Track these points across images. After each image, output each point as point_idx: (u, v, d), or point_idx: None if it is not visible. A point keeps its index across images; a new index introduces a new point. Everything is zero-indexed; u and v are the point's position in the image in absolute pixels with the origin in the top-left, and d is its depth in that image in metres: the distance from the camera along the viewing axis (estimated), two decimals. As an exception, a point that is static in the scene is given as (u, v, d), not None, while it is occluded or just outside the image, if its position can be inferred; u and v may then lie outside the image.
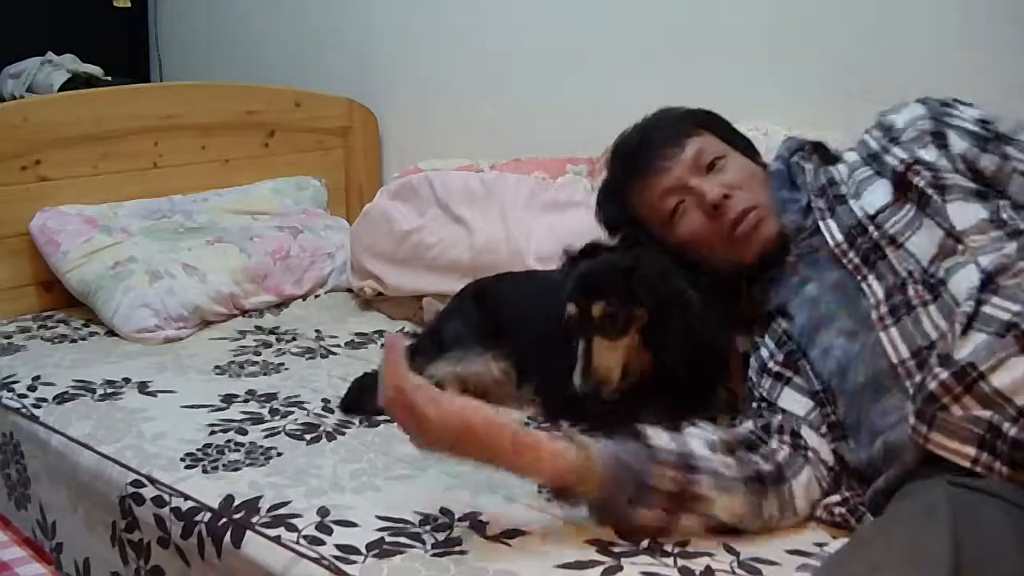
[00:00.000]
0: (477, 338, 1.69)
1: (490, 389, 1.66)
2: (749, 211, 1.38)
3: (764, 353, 1.38)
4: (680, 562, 1.15)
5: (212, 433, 1.57)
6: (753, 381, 1.38)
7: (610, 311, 1.39)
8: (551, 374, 1.57)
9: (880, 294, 1.21)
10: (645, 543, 1.19)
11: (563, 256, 1.51)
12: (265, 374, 1.87)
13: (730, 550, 1.18)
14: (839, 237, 1.29)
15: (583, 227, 1.68)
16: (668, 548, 1.18)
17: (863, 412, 1.20)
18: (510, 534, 1.22)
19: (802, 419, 1.27)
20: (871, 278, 1.23)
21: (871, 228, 1.26)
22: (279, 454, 1.49)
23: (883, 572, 0.88)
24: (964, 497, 0.97)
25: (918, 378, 1.11)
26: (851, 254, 1.27)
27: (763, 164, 1.50)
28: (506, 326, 1.70)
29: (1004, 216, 1.19)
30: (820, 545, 1.18)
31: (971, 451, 1.01)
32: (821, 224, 1.33)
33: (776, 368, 1.33)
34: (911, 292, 1.17)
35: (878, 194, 1.28)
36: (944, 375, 1.05)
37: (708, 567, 1.14)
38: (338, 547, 1.20)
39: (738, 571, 1.13)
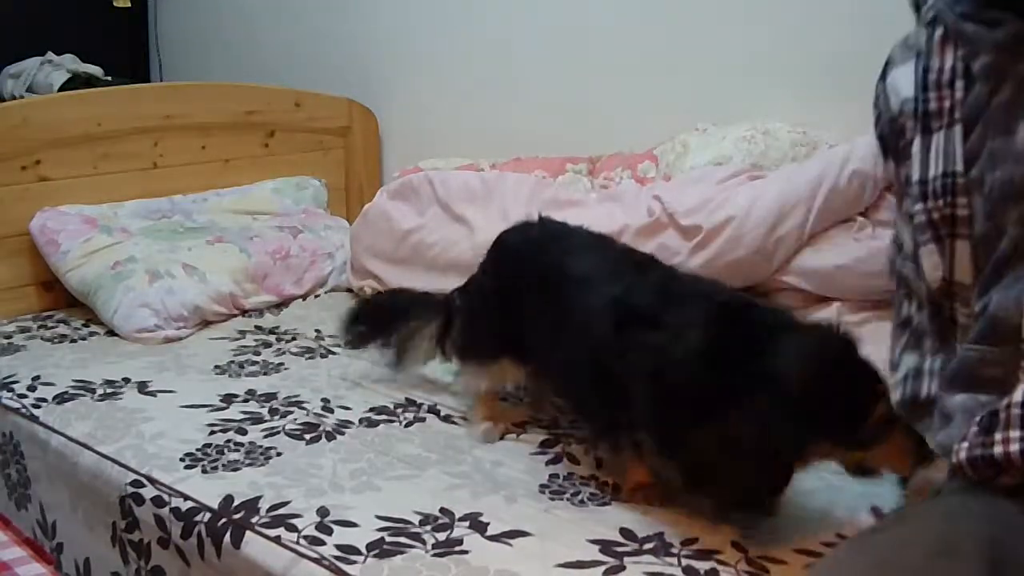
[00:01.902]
0: (494, 333, 1.52)
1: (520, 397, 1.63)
2: None
3: (915, 171, 1.04)
4: (685, 561, 1.15)
5: (212, 433, 1.57)
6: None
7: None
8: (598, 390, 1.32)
9: None
10: (651, 544, 1.19)
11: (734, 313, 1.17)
12: (265, 374, 1.86)
13: (738, 548, 1.18)
14: None
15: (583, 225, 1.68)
16: (674, 548, 1.18)
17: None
18: (510, 534, 1.22)
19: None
20: None
21: None
22: (279, 454, 1.49)
23: (909, 551, 0.81)
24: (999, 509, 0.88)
25: None
26: None
27: None
28: (525, 314, 1.46)
29: None
30: (827, 545, 1.19)
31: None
32: None
33: (936, 213, 1.01)
34: None
35: None
36: (1015, 447, 0.85)
37: (713, 568, 1.14)
38: (338, 547, 1.20)
39: (745, 570, 1.13)
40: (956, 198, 1.00)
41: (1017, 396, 0.86)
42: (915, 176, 1.05)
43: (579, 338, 1.34)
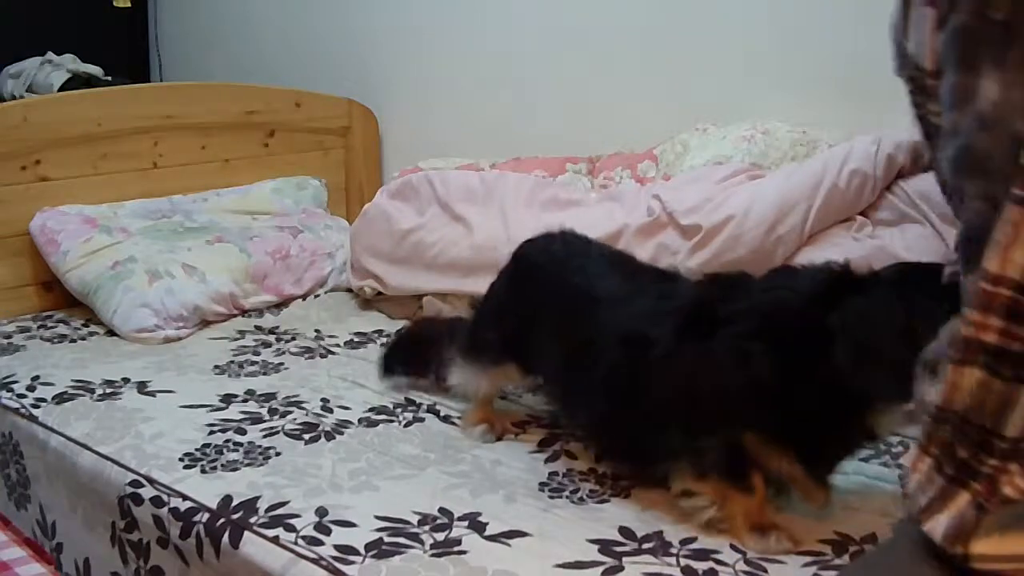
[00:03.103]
0: (502, 337, 1.51)
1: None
2: None
3: (895, 26, 0.88)
4: (683, 561, 1.15)
5: (211, 433, 1.57)
6: None
7: None
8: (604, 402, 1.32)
9: None
10: (650, 543, 1.19)
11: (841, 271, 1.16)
12: (264, 374, 1.86)
13: (737, 547, 1.18)
14: None
15: (583, 225, 1.68)
16: (673, 548, 1.18)
17: None
18: (509, 534, 1.22)
19: None
20: None
21: None
22: (278, 454, 1.49)
23: None
24: None
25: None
26: None
27: None
28: (535, 326, 1.45)
29: None
30: (825, 543, 1.19)
31: None
32: None
33: (916, 97, 0.87)
34: None
35: None
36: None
37: (712, 568, 1.13)
38: (336, 547, 1.20)
39: (744, 570, 1.13)
40: (927, 100, 0.83)
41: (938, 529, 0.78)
42: (894, 33, 0.86)
43: (623, 364, 1.28)
